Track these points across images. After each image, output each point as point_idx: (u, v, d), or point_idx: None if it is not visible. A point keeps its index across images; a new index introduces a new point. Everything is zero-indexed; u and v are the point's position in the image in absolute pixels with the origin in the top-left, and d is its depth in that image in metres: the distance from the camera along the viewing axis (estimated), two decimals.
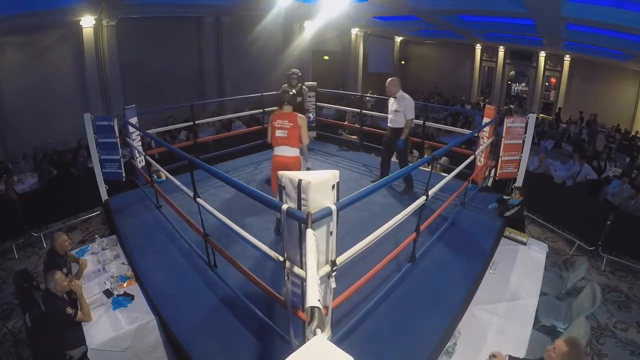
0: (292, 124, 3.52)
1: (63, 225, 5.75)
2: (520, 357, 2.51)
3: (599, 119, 11.80)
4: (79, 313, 2.81)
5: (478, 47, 15.37)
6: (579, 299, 3.55)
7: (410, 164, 3.21)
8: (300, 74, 5.29)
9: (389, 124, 4.71)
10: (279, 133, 3.54)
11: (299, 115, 3.61)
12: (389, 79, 4.60)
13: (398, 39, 16.94)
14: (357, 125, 6.41)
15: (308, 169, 5.11)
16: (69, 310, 2.76)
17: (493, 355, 2.44)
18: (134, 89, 9.08)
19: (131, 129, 4.58)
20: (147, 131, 4.64)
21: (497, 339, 2.71)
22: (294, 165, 3.49)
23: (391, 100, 4.65)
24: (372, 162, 5.95)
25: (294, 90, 4.96)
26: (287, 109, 3.64)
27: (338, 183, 1.92)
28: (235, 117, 8.22)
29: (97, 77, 8.56)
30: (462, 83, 16.11)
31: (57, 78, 8.18)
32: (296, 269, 1.90)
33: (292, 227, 1.85)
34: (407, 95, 4.54)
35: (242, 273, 2.67)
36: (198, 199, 2.91)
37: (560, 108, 13.29)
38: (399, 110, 4.51)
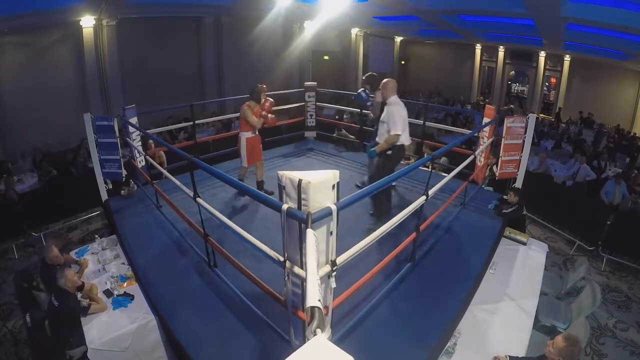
0: (240, 114, 4.44)
1: (63, 225, 5.75)
2: (520, 357, 2.52)
3: (598, 118, 11.81)
4: (93, 305, 2.88)
5: (478, 47, 15.37)
6: (579, 299, 3.55)
7: (406, 167, 2.98)
8: (376, 75, 4.52)
9: (377, 139, 3.87)
10: None
11: (242, 107, 4.36)
12: (385, 79, 3.88)
13: (398, 39, 16.94)
14: (357, 125, 6.41)
15: (362, 183, 4.70)
16: (84, 303, 2.83)
17: (496, 358, 2.46)
18: (134, 89, 9.07)
19: (131, 129, 4.58)
20: (147, 131, 4.65)
21: (497, 339, 2.71)
22: (237, 141, 4.49)
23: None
24: None
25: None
26: (252, 103, 4.39)
27: (338, 183, 1.92)
28: (235, 117, 8.22)
29: (97, 77, 8.56)
30: (462, 83, 16.11)
31: (57, 78, 8.17)
32: (296, 269, 1.89)
33: (292, 227, 1.85)
34: (399, 103, 3.71)
35: (242, 273, 2.67)
36: (198, 199, 2.91)
37: (560, 108, 13.29)
38: (384, 120, 3.68)
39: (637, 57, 9.49)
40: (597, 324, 3.97)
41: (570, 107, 13.06)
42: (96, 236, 4.00)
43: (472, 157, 4.09)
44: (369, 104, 4.44)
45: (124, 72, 8.99)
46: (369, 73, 4.61)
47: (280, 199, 1.97)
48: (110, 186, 4.69)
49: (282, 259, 2.02)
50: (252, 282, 2.59)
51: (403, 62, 17.91)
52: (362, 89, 4.42)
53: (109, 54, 8.56)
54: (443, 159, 5.95)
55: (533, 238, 4.22)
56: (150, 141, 5.49)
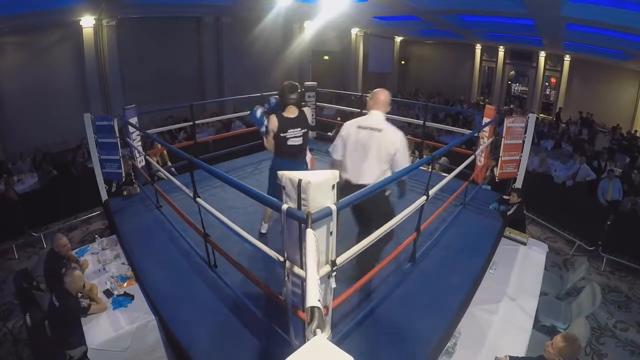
0: None
1: (63, 225, 5.75)
2: (520, 357, 2.52)
3: (598, 118, 11.82)
4: (93, 305, 2.88)
5: (478, 47, 15.36)
6: (579, 299, 3.56)
7: (406, 167, 2.76)
8: (297, 86, 3.32)
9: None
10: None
11: None
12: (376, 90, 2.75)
13: (398, 39, 16.93)
14: None
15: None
16: (84, 303, 2.83)
17: (496, 358, 2.46)
18: (134, 89, 9.08)
19: (131, 129, 4.58)
20: (147, 131, 4.65)
21: (497, 339, 2.71)
22: None
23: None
24: None
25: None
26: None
27: (338, 183, 1.92)
28: (235, 117, 8.22)
29: (97, 77, 8.56)
30: (462, 83, 16.10)
31: (57, 78, 8.18)
32: (296, 269, 1.89)
33: (292, 227, 1.85)
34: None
35: (242, 273, 2.67)
36: (198, 199, 2.91)
37: (560, 108, 13.29)
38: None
39: (637, 57, 9.48)
40: (597, 324, 3.97)
41: (570, 107, 13.06)
42: (96, 236, 4.00)
43: (472, 157, 4.09)
44: (262, 129, 3.14)
45: (124, 72, 8.99)
46: (288, 82, 3.19)
47: (280, 199, 1.97)
48: (114, 189, 4.69)
49: (282, 259, 2.02)
50: (252, 282, 2.59)
51: (403, 62, 17.91)
52: (257, 106, 3.27)
53: (109, 54, 8.56)
54: (443, 159, 5.94)
55: (533, 238, 4.21)
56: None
